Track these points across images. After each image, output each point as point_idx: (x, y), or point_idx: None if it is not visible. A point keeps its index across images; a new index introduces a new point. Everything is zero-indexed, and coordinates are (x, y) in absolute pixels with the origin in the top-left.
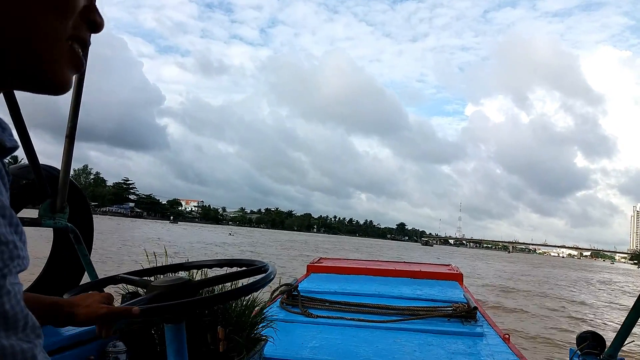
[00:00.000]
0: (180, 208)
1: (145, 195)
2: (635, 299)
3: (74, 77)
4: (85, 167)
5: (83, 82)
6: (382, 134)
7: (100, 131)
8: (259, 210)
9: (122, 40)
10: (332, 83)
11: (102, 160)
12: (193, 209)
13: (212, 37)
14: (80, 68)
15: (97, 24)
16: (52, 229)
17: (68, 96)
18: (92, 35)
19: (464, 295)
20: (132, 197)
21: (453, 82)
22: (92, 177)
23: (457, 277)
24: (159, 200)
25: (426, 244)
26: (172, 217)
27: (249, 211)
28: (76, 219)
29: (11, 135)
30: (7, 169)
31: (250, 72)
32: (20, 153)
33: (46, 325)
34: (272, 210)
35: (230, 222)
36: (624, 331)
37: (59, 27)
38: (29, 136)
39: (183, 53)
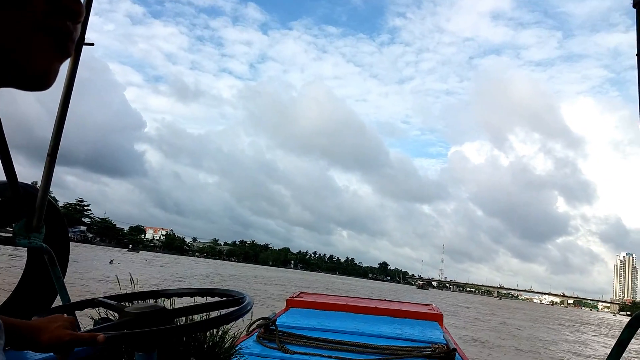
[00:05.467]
0: (142, 236)
1: (100, 218)
2: (612, 347)
3: (58, 68)
4: (35, 183)
5: (69, 101)
6: (362, 169)
7: (76, 154)
8: (234, 242)
9: (104, 63)
10: (311, 115)
11: (78, 185)
12: (161, 238)
13: (201, 69)
14: (61, 57)
15: (74, 12)
16: (26, 248)
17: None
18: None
19: (443, 336)
20: (86, 220)
21: (437, 125)
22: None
23: (437, 318)
24: (115, 225)
25: (422, 287)
26: (130, 245)
27: (222, 243)
28: (52, 240)
29: None
30: None
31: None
32: None
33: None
34: (247, 243)
35: (197, 254)
36: None
37: (20, 17)
38: (8, 151)
39: (171, 83)
